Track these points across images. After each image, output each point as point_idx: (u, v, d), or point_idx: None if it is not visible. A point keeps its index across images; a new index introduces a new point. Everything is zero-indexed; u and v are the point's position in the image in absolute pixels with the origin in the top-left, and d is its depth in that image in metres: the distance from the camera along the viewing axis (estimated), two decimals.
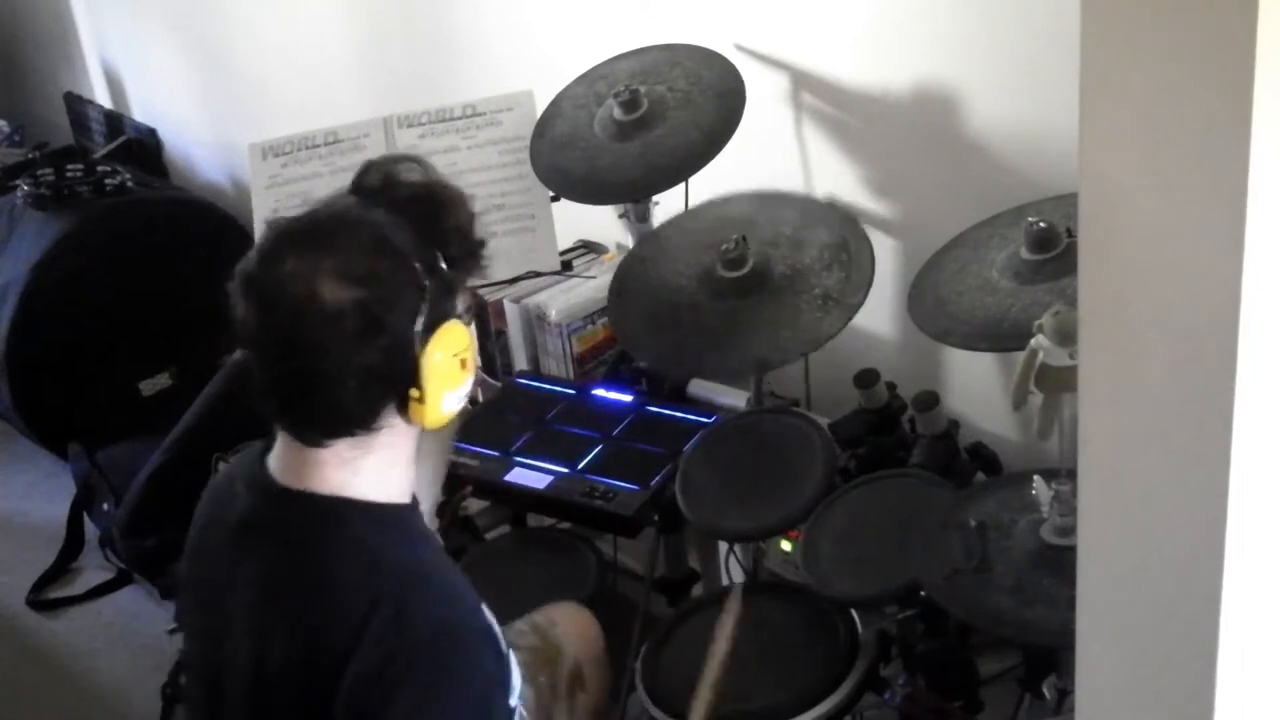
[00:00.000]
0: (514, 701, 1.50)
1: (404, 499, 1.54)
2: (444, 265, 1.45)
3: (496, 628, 1.49)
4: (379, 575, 1.44)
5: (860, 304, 2.06)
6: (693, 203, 2.37)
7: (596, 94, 2.46)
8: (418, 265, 1.42)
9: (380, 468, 1.49)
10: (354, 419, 1.44)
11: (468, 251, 1.50)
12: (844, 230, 2.17)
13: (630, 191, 2.40)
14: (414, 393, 1.43)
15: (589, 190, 2.43)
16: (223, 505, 1.57)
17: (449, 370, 1.45)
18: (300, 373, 1.42)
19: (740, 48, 2.44)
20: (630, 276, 2.31)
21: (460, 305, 1.49)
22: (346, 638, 1.39)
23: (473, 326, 1.56)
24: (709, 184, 2.32)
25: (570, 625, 1.95)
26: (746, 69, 2.34)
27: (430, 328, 1.42)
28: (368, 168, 1.53)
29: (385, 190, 1.49)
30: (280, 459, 1.51)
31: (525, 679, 1.82)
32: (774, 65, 2.43)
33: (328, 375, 1.40)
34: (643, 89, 2.36)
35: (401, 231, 1.43)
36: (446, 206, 1.49)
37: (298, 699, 1.43)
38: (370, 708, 1.37)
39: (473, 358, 1.50)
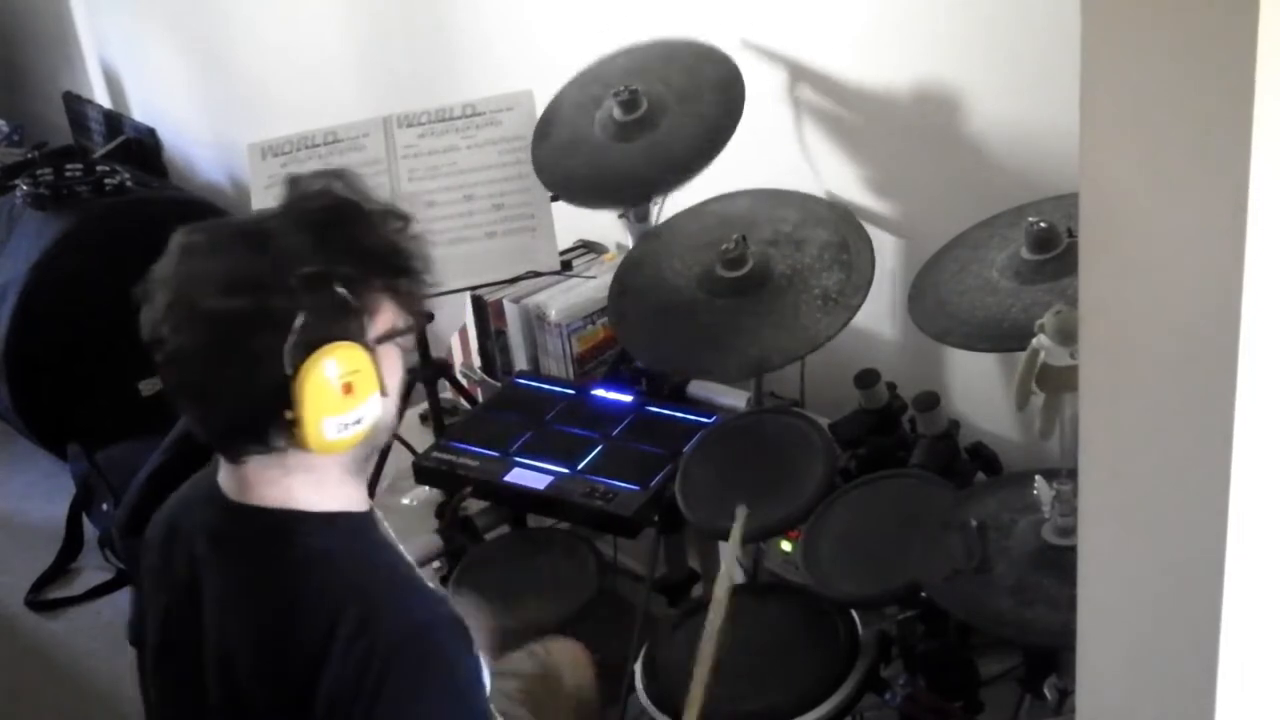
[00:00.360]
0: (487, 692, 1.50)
1: (356, 507, 1.50)
2: (344, 287, 1.37)
3: (464, 619, 1.47)
4: (339, 584, 1.42)
5: (859, 305, 2.06)
6: (693, 203, 2.37)
7: (594, 97, 2.45)
8: (295, 282, 1.35)
9: (310, 485, 1.45)
10: (240, 434, 1.42)
11: (376, 272, 1.42)
12: (844, 230, 2.17)
13: (637, 194, 2.39)
14: (288, 414, 1.36)
15: (595, 194, 2.43)
16: (183, 522, 1.56)
17: (326, 394, 1.36)
18: (185, 379, 1.41)
19: (743, 43, 2.44)
20: (630, 277, 2.31)
21: (372, 329, 1.41)
22: (314, 648, 1.38)
23: (393, 352, 1.47)
24: (710, 186, 2.32)
25: (564, 655, 1.98)
26: (747, 69, 2.34)
27: (309, 347, 1.35)
28: (293, 181, 1.47)
29: (298, 204, 1.45)
30: (225, 476, 1.50)
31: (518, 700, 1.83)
32: (774, 65, 2.43)
33: (202, 385, 1.40)
34: (641, 88, 2.36)
35: (300, 248, 1.38)
36: (357, 225, 1.43)
37: (273, 710, 1.42)
38: (354, 714, 1.36)
39: (368, 383, 1.40)
